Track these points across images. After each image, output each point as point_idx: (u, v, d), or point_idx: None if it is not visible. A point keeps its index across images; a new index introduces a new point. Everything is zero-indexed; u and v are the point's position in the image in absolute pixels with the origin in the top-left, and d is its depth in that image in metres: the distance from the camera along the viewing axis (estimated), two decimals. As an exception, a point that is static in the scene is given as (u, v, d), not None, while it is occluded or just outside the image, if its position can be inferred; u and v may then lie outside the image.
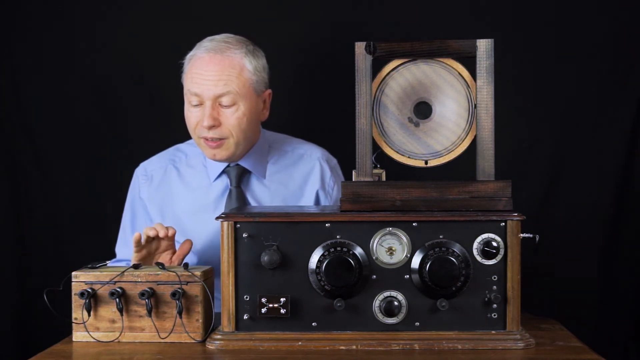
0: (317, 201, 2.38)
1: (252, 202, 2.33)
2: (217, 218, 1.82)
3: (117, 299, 1.86)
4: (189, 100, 2.25)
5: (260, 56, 2.28)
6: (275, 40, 2.65)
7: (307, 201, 2.37)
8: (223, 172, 2.34)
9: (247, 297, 1.81)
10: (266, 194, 2.34)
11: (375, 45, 1.82)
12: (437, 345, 1.78)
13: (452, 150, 1.85)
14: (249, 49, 2.25)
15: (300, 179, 2.38)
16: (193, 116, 2.25)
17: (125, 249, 2.40)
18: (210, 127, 2.21)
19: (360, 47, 1.83)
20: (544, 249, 2.52)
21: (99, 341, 1.88)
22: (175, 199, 2.37)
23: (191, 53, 2.27)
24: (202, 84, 2.21)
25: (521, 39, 2.69)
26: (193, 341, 1.86)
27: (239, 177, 2.33)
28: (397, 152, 1.86)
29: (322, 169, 2.40)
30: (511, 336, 1.79)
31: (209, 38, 2.27)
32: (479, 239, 1.79)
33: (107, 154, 2.76)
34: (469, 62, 1.84)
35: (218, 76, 2.20)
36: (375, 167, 1.87)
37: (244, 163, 2.33)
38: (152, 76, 2.73)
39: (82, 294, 1.86)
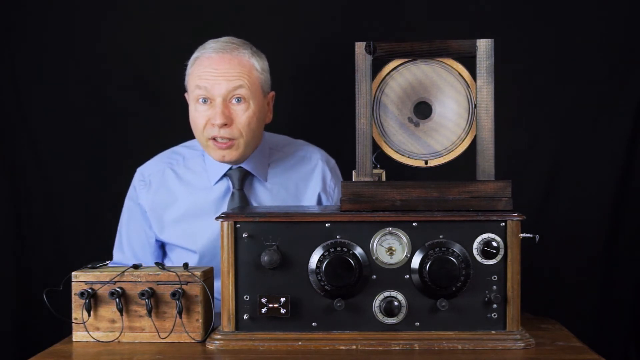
0: (319, 203, 2.37)
1: (255, 205, 2.32)
2: (217, 218, 1.82)
3: (117, 299, 1.85)
4: (196, 99, 2.22)
5: (264, 58, 2.28)
6: (275, 40, 2.65)
7: (308, 203, 2.36)
8: (225, 175, 2.32)
9: (247, 297, 1.81)
10: (268, 196, 2.33)
11: (375, 45, 1.82)
12: (437, 345, 1.78)
13: (452, 150, 1.85)
14: (253, 50, 2.26)
15: (301, 181, 2.38)
16: (201, 116, 2.22)
17: (120, 254, 2.39)
18: (222, 125, 2.18)
19: (360, 47, 1.82)
20: (544, 248, 2.53)
21: (99, 341, 1.88)
22: (175, 202, 2.34)
23: (195, 55, 2.25)
24: (213, 81, 2.19)
25: (521, 39, 2.69)
26: (193, 341, 1.86)
27: (242, 180, 2.31)
28: (397, 152, 1.86)
29: (322, 170, 2.39)
30: (511, 336, 1.79)
31: (212, 40, 2.26)
32: (479, 239, 1.79)
33: (107, 153, 2.76)
34: (469, 62, 1.84)
35: (230, 73, 2.19)
36: (375, 167, 1.87)
37: (246, 166, 2.31)
38: (152, 77, 2.73)
39: (82, 294, 1.86)
